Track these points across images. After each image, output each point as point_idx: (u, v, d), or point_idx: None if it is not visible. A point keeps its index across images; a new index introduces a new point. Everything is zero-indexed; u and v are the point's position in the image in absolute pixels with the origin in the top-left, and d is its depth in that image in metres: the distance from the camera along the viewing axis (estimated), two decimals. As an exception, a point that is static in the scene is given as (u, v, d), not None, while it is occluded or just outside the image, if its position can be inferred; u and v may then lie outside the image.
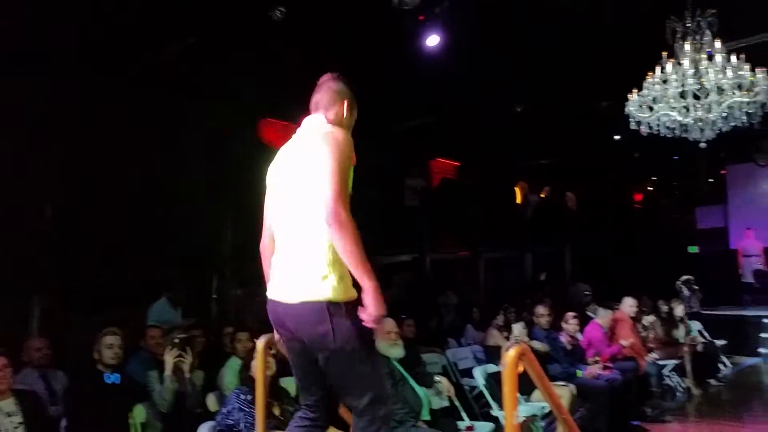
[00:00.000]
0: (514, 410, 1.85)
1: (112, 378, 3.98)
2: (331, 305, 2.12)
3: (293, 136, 2.43)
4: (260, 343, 2.77)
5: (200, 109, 7.18)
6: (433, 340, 7.39)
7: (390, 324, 4.51)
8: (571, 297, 8.65)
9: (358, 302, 2.12)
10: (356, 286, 2.18)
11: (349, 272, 2.16)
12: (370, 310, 2.07)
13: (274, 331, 2.43)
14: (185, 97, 6.96)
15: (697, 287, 11.78)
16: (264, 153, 3.03)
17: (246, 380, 3.52)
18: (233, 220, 7.58)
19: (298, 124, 2.48)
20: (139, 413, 3.99)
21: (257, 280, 2.57)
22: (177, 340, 4.05)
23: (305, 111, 2.49)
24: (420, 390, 4.45)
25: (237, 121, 7.51)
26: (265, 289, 2.40)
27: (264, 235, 2.44)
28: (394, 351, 4.43)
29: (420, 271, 10.60)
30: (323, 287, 2.13)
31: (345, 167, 2.16)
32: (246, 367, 3.55)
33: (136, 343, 4.88)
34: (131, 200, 6.49)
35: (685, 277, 11.83)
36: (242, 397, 3.45)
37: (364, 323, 2.10)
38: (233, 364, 4.20)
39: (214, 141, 7.38)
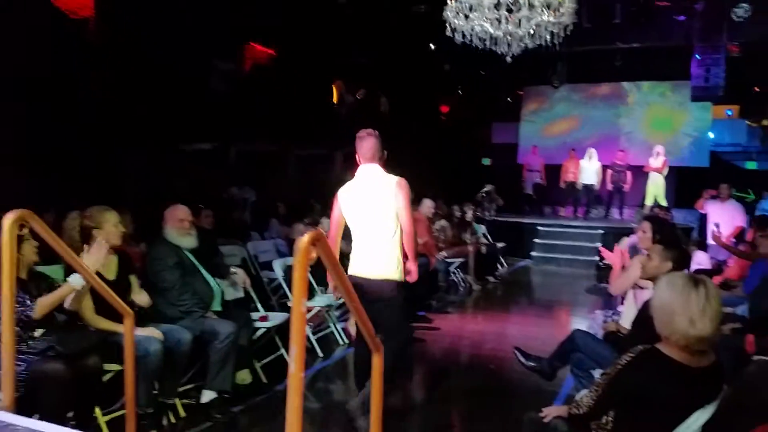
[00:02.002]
0: (303, 297, 1.69)
1: None
2: (398, 282, 3.68)
3: (358, 178, 3.75)
4: (8, 220, 2.28)
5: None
6: (235, 232, 7.13)
7: (183, 212, 4.14)
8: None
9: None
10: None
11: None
12: (413, 274, 3.76)
13: None
14: None
15: (497, 196, 12.94)
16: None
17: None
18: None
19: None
20: None
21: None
22: None
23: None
24: (212, 281, 4.20)
25: None
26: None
27: (334, 233, 3.80)
28: (186, 240, 4.10)
29: (223, 161, 10.06)
30: (397, 272, 3.67)
31: (411, 203, 3.70)
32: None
33: None
34: None
35: (487, 188, 12.83)
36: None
37: (408, 279, 3.74)
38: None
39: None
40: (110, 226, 3.57)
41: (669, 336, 2.15)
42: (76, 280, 3.10)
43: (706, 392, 2.18)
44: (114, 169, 7.55)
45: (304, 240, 1.76)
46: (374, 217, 3.65)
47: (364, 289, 3.54)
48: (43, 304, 3.08)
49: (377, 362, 2.48)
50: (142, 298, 3.75)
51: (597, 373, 3.57)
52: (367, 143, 3.74)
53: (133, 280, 3.75)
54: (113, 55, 7.71)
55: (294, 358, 1.75)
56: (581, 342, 3.82)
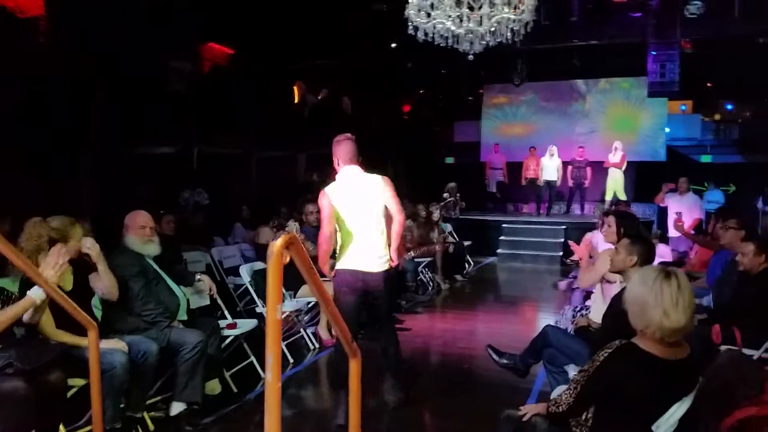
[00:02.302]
0: (278, 303, 1.62)
1: None
2: (388, 272, 3.96)
3: (344, 178, 3.95)
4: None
5: None
6: (198, 237, 6.98)
7: (144, 218, 3.99)
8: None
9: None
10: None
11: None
12: (395, 260, 4.05)
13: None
14: None
15: (458, 194, 13.02)
16: None
17: None
18: None
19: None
20: None
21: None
22: None
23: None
24: (177, 289, 4.07)
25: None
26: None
27: (328, 231, 3.87)
28: (148, 248, 3.96)
29: (183, 164, 9.84)
30: (387, 264, 3.94)
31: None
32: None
33: None
34: None
35: (450, 198, 12.87)
36: None
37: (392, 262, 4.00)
38: None
39: None
40: (74, 242, 3.46)
41: (644, 329, 2.17)
42: (37, 293, 2.93)
43: (683, 384, 2.19)
44: (71, 173, 7.29)
45: (277, 244, 1.69)
46: (368, 214, 3.89)
47: (363, 282, 3.88)
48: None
49: (354, 367, 2.43)
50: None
51: (570, 368, 3.58)
52: (345, 146, 3.98)
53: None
54: (65, 55, 7.44)
55: (270, 367, 1.68)
56: (553, 337, 3.83)
